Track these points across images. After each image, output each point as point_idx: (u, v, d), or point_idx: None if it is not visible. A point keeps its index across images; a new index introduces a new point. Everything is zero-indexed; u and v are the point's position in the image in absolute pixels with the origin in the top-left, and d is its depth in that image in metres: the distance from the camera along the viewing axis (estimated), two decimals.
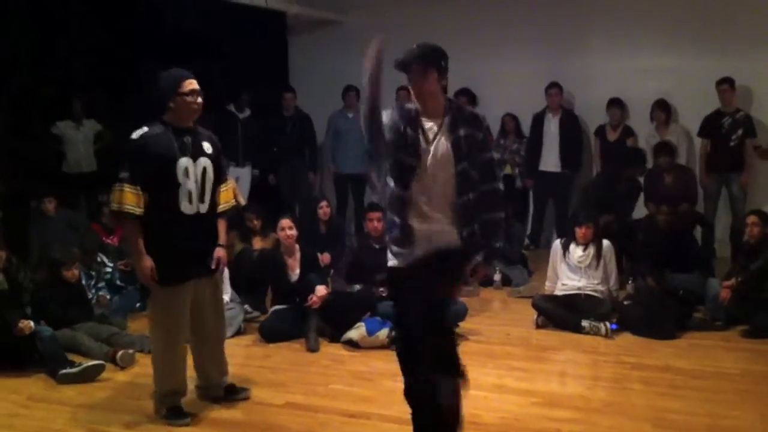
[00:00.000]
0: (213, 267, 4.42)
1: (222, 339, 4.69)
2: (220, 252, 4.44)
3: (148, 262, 4.15)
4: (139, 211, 4.11)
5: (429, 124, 3.50)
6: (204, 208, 4.30)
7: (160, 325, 4.34)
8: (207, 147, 4.34)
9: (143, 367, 5.19)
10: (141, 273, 4.21)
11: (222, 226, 4.50)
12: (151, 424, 4.33)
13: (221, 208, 4.46)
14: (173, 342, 4.35)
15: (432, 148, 3.46)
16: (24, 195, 7.80)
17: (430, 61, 3.50)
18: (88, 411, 4.55)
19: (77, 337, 5.59)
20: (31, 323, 5.23)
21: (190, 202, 4.22)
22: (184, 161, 4.19)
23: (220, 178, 4.42)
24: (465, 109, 3.68)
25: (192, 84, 4.25)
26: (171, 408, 4.35)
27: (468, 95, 9.40)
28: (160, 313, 4.33)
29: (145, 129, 4.20)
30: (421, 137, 3.47)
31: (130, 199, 4.10)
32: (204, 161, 4.28)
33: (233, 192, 4.69)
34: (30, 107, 8.22)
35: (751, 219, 6.41)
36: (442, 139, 3.47)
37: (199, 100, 4.26)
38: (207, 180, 4.30)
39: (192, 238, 4.26)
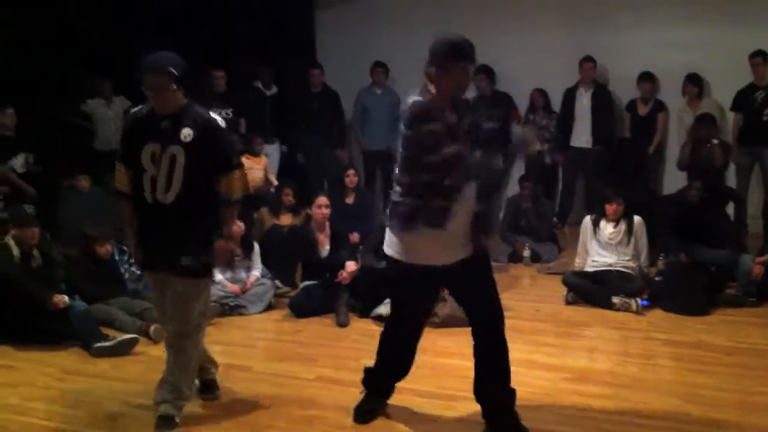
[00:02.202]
0: (190, 266, 3.88)
1: (176, 344, 4.01)
2: (221, 244, 3.97)
3: (131, 242, 4.13)
4: (126, 189, 3.97)
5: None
6: (169, 198, 3.83)
7: None
8: (186, 134, 3.81)
9: None
10: None
11: (229, 213, 4.00)
12: None
13: (225, 196, 3.93)
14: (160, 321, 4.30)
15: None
16: (55, 173, 7.87)
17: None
18: (122, 384, 4.61)
19: (111, 311, 5.66)
20: (66, 298, 5.32)
21: (152, 190, 3.84)
22: (151, 146, 3.82)
23: (202, 166, 3.84)
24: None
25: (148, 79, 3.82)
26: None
27: (486, 72, 9.34)
28: None
29: (136, 108, 4.03)
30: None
31: (118, 177, 4.00)
32: (175, 149, 3.80)
33: (243, 181, 4.03)
34: (60, 86, 8.29)
35: None
36: None
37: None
38: (176, 168, 3.81)
39: (151, 230, 3.94)
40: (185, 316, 3.95)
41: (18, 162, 7.41)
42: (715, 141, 7.82)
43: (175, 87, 3.78)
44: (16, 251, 5.45)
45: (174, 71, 3.76)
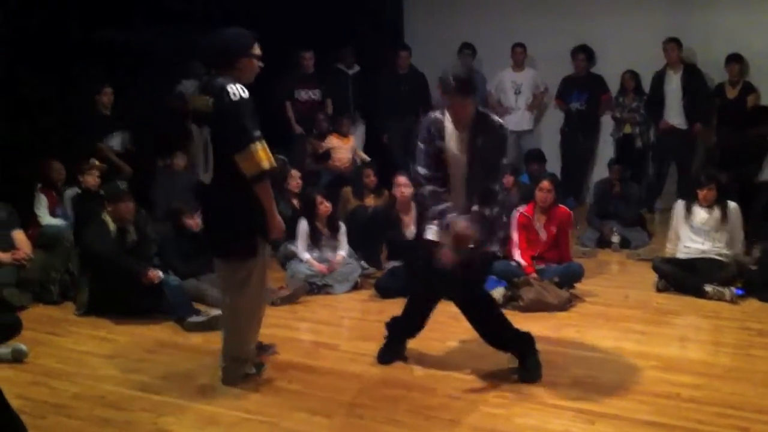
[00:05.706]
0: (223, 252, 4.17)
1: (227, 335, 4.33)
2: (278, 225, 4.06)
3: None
4: None
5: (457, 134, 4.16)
6: (207, 178, 3.97)
7: None
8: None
9: (267, 318, 5.37)
10: None
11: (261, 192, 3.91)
12: (274, 371, 4.47)
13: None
14: None
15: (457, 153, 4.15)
16: (151, 153, 8.07)
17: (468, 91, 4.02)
18: (213, 357, 4.68)
19: (201, 287, 5.82)
20: (160, 273, 5.47)
21: (198, 170, 4.04)
22: (196, 128, 3.97)
23: (225, 146, 3.85)
24: (488, 118, 4.18)
25: (258, 48, 4.00)
26: None
27: (586, 52, 9.21)
28: None
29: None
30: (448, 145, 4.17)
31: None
32: (206, 129, 3.91)
33: (258, 159, 3.83)
34: (153, 65, 8.48)
35: None
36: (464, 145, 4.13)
37: (260, 64, 4.03)
38: (208, 146, 3.91)
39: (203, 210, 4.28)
40: (228, 307, 4.38)
41: (116, 141, 7.65)
42: None
43: None
44: (112, 227, 5.63)
45: None
